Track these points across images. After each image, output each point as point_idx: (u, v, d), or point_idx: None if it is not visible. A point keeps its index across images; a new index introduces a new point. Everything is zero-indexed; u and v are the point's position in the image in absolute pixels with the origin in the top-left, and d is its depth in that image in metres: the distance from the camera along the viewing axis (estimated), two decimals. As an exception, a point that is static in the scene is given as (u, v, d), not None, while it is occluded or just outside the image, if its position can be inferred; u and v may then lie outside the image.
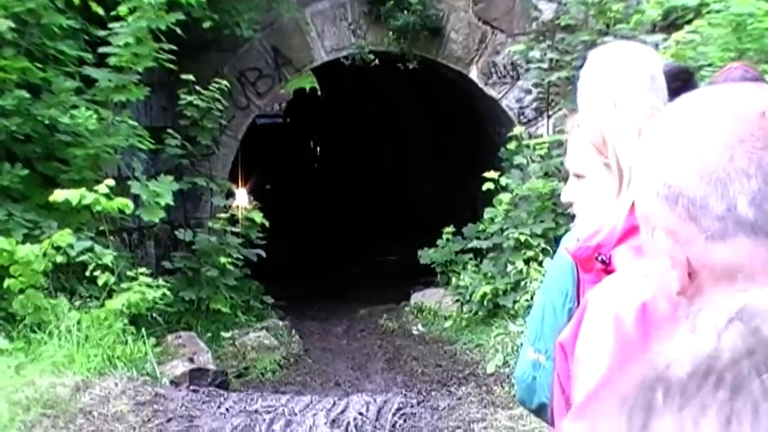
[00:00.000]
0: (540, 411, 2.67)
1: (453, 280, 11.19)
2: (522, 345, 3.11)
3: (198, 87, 10.63)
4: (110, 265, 8.26)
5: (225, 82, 10.92)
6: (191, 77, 10.44)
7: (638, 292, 1.98)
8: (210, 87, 10.74)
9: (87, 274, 8.31)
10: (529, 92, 12.03)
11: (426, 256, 11.91)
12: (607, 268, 2.19)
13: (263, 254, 11.18)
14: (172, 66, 9.60)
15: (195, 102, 10.66)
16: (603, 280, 2.13)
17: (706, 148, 1.24)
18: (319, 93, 25.48)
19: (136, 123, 9.53)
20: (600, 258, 2.21)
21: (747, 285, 1.21)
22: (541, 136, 11.34)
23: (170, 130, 10.65)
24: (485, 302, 10.29)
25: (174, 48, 9.49)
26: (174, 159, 10.77)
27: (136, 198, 9.32)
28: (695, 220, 1.24)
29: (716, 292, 1.25)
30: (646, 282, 1.98)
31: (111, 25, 9.20)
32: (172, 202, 9.67)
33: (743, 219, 1.21)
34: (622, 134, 2.25)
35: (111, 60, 9.17)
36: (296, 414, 6.97)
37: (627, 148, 2.23)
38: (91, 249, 8.26)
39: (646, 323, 1.95)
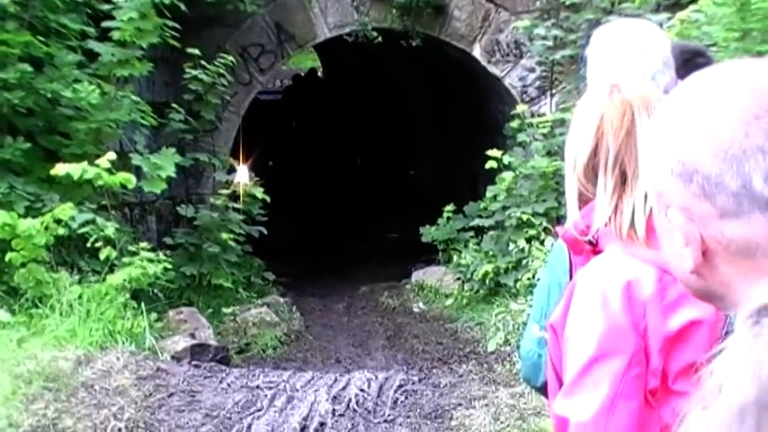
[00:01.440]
0: (545, 389, 2.67)
1: (454, 258, 11.19)
2: (526, 323, 3.11)
3: (203, 62, 10.62)
4: (111, 237, 8.25)
5: (230, 57, 10.90)
6: (196, 52, 10.43)
7: (624, 271, 1.98)
8: (216, 62, 10.72)
9: (89, 247, 8.31)
10: (532, 70, 12.00)
11: (428, 233, 11.91)
12: (595, 249, 2.19)
13: (265, 231, 11.17)
14: (175, 42, 9.58)
15: (200, 76, 10.64)
16: (591, 261, 2.14)
17: (721, 125, 1.22)
18: (321, 70, 25.42)
19: (138, 99, 9.51)
20: (588, 240, 2.21)
21: (763, 261, 1.22)
22: (544, 114, 11.31)
23: (174, 105, 10.63)
24: (486, 281, 10.28)
25: (176, 25, 9.46)
26: (176, 134, 10.74)
27: (138, 172, 9.30)
28: (710, 198, 1.23)
29: (730, 270, 1.25)
30: (631, 262, 1.98)
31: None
32: (174, 175, 9.66)
33: (758, 195, 1.20)
34: (617, 120, 2.24)
35: (115, 35, 9.15)
36: (297, 390, 6.98)
37: (617, 134, 2.21)
38: (93, 222, 8.25)
39: (631, 302, 1.95)
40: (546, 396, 2.79)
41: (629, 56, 2.83)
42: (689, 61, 3.01)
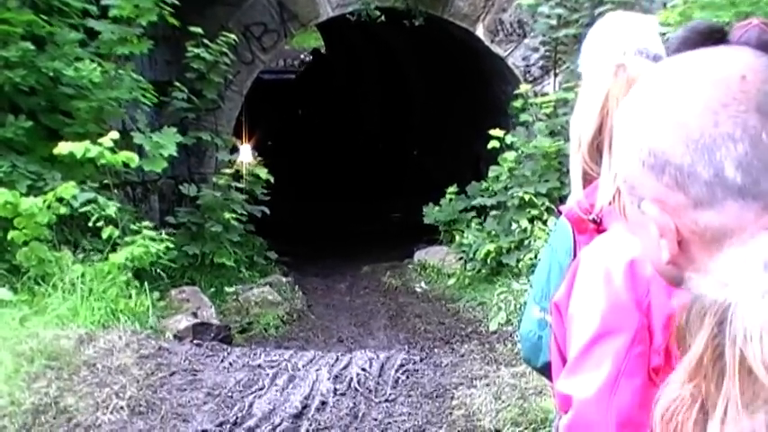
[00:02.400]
0: (546, 370, 2.67)
1: (457, 238, 11.19)
2: (526, 303, 3.11)
3: (205, 41, 10.59)
4: (113, 216, 8.25)
5: (233, 36, 10.87)
6: (199, 30, 10.40)
7: (628, 249, 1.97)
8: (218, 41, 10.69)
9: (91, 226, 8.31)
10: (535, 50, 11.96)
11: (430, 214, 11.90)
12: (599, 228, 2.18)
13: (267, 210, 11.16)
14: (175, 20, 9.55)
15: (203, 55, 10.61)
16: (595, 239, 2.13)
17: (690, 116, 1.23)
18: (324, 49, 25.37)
19: (139, 77, 9.49)
20: (592, 218, 2.20)
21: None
22: (547, 94, 11.28)
23: (177, 83, 10.60)
24: (488, 261, 10.28)
25: (177, 2, 9.43)
26: (178, 113, 10.72)
27: (140, 151, 9.29)
28: (683, 188, 1.24)
29: (706, 259, 1.24)
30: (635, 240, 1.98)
31: (113, -22, 9.16)
32: (175, 154, 9.65)
33: (730, 183, 1.21)
34: (622, 98, 2.23)
35: (111, 12, 9.13)
36: (299, 369, 6.99)
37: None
38: (94, 201, 8.24)
39: (635, 280, 1.94)
40: (546, 376, 2.79)
41: (633, 37, 2.83)
42: (707, 39, 3.00)
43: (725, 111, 1.22)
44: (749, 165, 1.21)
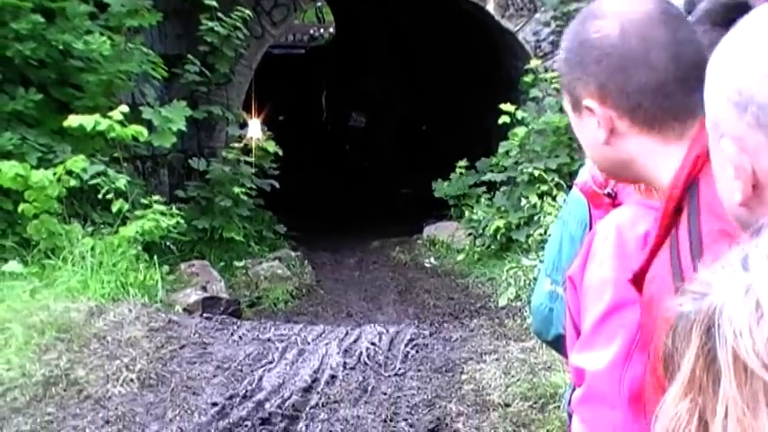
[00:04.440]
0: (556, 343, 2.66)
1: (466, 213, 11.18)
2: (537, 276, 3.10)
3: (219, 14, 10.56)
4: (123, 189, 8.25)
5: (247, 11, 10.83)
6: (213, 3, 10.36)
7: (642, 223, 1.96)
8: (232, 15, 10.65)
9: (101, 199, 8.32)
10: (546, 24, 11.89)
11: (440, 189, 11.89)
12: (615, 202, 2.17)
13: (276, 184, 11.15)
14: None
15: (216, 28, 10.58)
16: (610, 213, 2.12)
17: None
18: (334, 24, 25.28)
19: (149, 50, 9.46)
20: (607, 192, 2.19)
21: None
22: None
23: (189, 56, 10.58)
24: (498, 236, 10.28)
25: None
26: (189, 87, 10.70)
27: (149, 125, 9.28)
28: (764, 128, 1.22)
29: None
30: (649, 213, 1.97)
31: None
32: (184, 128, 9.63)
33: None
34: None
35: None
36: (308, 343, 7.00)
37: None
38: (104, 173, 8.25)
39: None
40: (557, 349, 2.78)
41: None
42: (731, 12, 2.98)
43: None
44: None
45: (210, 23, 10.55)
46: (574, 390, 2.08)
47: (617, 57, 1.69)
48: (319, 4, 21.07)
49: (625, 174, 1.78)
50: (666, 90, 1.64)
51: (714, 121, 1.31)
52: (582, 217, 2.56)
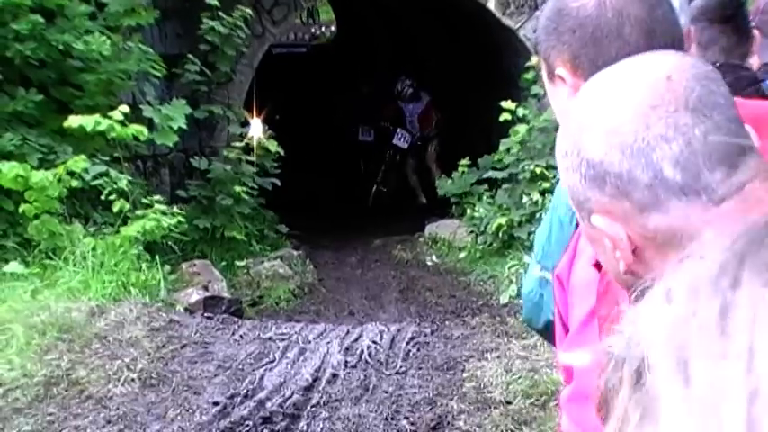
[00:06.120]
0: (547, 330, 2.65)
1: (468, 211, 11.17)
2: (528, 265, 3.09)
3: (220, 13, 10.56)
4: (125, 189, 8.26)
5: (249, 10, 10.82)
6: (215, 2, 10.37)
7: None
8: (233, 14, 10.65)
9: (102, 199, 8.32)
10: (547, 22, 11.86)
11: (442, 186, 11.88)
12: None
13: (278, 183, 11.14)
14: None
15: (217, 27, 10.58)
16: None
17: (621, 122, 1.25)
18: (335, 23, 25.27)
19: (149, 49, 9.46)
20: None
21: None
22: (559, 67, 11.21)
23: (190, 55, 10.58)
24: (499, 234, 10.27)
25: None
26: (190, 86, 10.70)
27: (150, 125, 9.27)
28: (626, 195, 1.25)
29: (662, 263, 1.24)
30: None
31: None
32: (185, 126, 9.62)
33: (671, 183, 1.22)
34: None
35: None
36: (310, 342, 7.00)
37: None
38: (106, 174, 8.25)
39: None
40: (547, 338, 2.77)
41: None
42: (725, 8, 2.98)
43: (654, 112, 1.23)
44: (687, 162, 1.22)
45: (212, 23, 10.55)
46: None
47: (591, 28, 1.70)
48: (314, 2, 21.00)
49: None
50: None
51: (577, 201, 1.34)
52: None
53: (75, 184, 7.90)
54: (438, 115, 15.87)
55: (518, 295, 8.47)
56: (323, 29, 26.15)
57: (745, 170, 1.25)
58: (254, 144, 11.09)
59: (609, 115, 1.26)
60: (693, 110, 1.23)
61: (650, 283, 1.02)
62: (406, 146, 16.12)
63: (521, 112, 10.56)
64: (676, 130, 1.22)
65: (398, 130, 16.22)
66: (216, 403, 5.81)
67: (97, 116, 8.16)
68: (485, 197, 11.09)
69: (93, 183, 8.19)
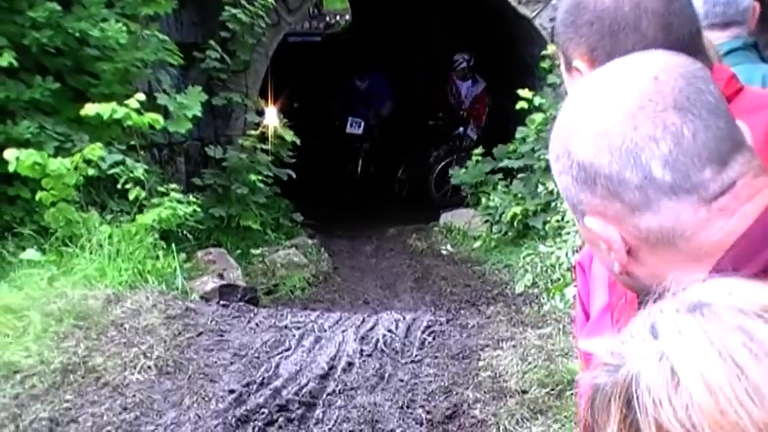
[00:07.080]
0: None
1: (483, 200, 11.16)
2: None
3: (243, 1, 10.59)
4: (141, 178, 8.27)
5: None
6: None
7: None
8: (256, 3, 10.68)
9: (119, 187, 8.34)
10: (563, 10, 11.81)
11: (457, 176, 11.87)
12: None
13: (293, 174, 11.15)
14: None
15: (239, 15, 10.59)
16: None
17: (609, 123, 1.25)
18: (350, 12, 25.24)
19: (165, 37, 9.46)
20: None
21: (684, 246, 1.25)
22: (575, 56, 11.17)
23: (212, 41, 10.59)
24: (514, 223, 10.26)
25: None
26: (206, 74, 10.71)
27: (166, 113, 9.28)
28: (617, 196, 1.26)
29: (656, 262, 1.28)
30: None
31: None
32: (200, 114, 9.62)
33: (660, 183, 1.23)
34: None
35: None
36: (325, 330, 7.01)
37: None
38: (122, 163, 8.27)
39: None
40: None
41: None
42: None
43: (642, 113, 1.23)
44: (675, 161, 1.22)
45: (234, 10, 10.57)
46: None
47: (609, 21, 1.70)
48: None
49: None
50: None
51: (572, 204, 1.34)
52: None
53: (91, 172, 7.91)
54: (490, 104, 15.52)
55: (533, 284, 8.46)
56: (337, 18, 26.12)
57: (736, 167, 1.25)
58: (270, 133, 11.10)
59: (597, 117, 1.27)
60: (681, 109, 1.23)
61: (661, 291, 1.03)
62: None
63: (537, 100, 10.53)
64: (664, 130, 1.22)
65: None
66: (232, 391, 5.82)
67: (113, 104, 8.16)
68: (500, 186, 11.07)
69: (110, 171, 8.20)
